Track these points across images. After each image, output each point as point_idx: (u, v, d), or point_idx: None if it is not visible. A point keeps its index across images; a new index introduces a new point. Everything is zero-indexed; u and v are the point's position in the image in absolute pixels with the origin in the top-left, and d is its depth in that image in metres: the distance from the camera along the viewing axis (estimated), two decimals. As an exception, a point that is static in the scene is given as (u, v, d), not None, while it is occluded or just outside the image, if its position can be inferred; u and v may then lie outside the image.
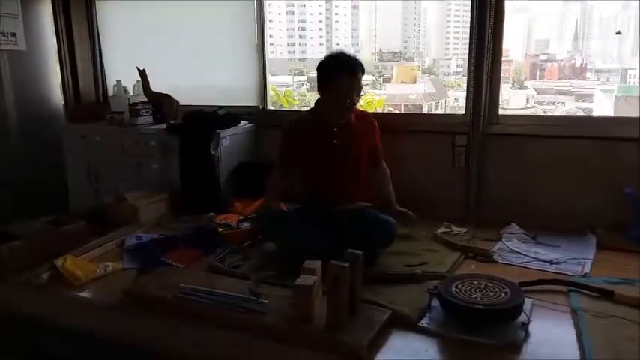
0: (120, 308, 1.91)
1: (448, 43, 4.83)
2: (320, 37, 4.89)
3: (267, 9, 3.33)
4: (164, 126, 3.17)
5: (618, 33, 3.35)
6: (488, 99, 2.74)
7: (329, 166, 2.38)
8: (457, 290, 1.72)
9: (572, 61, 3.74)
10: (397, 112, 3.46)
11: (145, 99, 3.40)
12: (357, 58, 2.34)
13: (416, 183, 2.91)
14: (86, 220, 2.62)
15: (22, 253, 2.22)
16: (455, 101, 4.38)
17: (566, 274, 2.10)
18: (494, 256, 2.29)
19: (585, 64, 3.69)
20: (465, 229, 2.60)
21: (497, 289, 1.71)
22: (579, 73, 3.69)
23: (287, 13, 4.86)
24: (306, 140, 2.42)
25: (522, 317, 1.66)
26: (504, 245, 2.42)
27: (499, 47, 2.71)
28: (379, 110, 3.76)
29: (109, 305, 1.93)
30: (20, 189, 3.32)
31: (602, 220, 2.51)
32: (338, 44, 4.96)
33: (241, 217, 2.77)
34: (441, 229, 2.63)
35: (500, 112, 2.79)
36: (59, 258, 2.15)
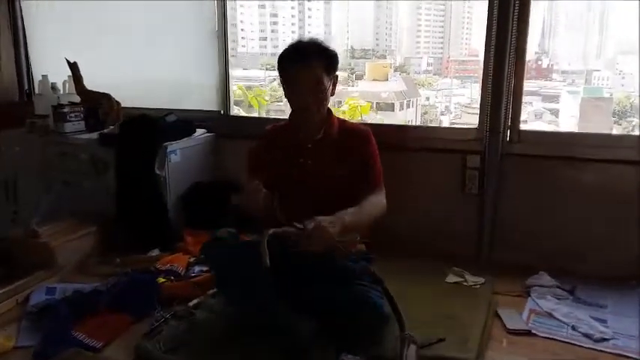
0: None
1: (419, 42, 4.63)
2: (292, 32, 4.65)
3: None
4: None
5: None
6: (509, 110, 2.17)
7: (299, 192, 1.75)
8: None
9: (539, 62, 3.56)
10: (391, 123, 2.84)
11: (78, 99, 2.73)
12: (327, 46, 1.79)
13: (416, 213, 2.35)
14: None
15: None
16: (426, 100, 4.31)
17: (627, 357, 1.55)
18: (530, 325, 1.72)
19: (552, 65, 3.54)
20: (482, 280, 2.02)
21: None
22: (546, 74, 3.54)
23: (259, 7, 4.62)
24: (273, 157, 1.83)
25: None
26: (536, 305, 1.86)
27: (523, 42, 2.15)
28: (365, 118, 3.17)
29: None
30: None
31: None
32: (310, 40, 4.94)
33: (192, 259, 2.15)
34: (451, 278, 2.05)
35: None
36: None
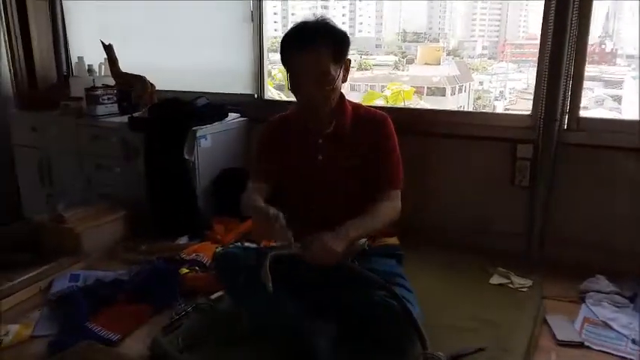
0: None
1: (474, 25, 4.59)
2: (343, 15, 4.71)
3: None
4: (130, 118, 2.45)
5: None
6: (568, 95, 1.95)
7: (311, 192, 1.58)
8: None
9: (603, 46, 3.46)
10: (434, 108, 2.62)
11: (114, 82, 2.69)
12: (335, 27, 1.51)
13: (458, 205, 2.19)
14: (9, 248, 1.94)
15: None
16: (480, 84, 4.20)
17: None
18: (582, 336, 1.54)
19: (616, 50, 3.41)
20: (530, 282, 1.83)
21: None
22: (610, 58, 3.46)
23: (311, -11, 4.65)
24: (282, 151, 1.63)
25: None
26: (591, 313, 1.66)
27: (586, 21, 1.92)
28: (408, 104, 2.99)
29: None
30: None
31: None
32: (361, 23, 4.80)
33: (219, 248, 2.05)
34: (496, 279, 1.87)
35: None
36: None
